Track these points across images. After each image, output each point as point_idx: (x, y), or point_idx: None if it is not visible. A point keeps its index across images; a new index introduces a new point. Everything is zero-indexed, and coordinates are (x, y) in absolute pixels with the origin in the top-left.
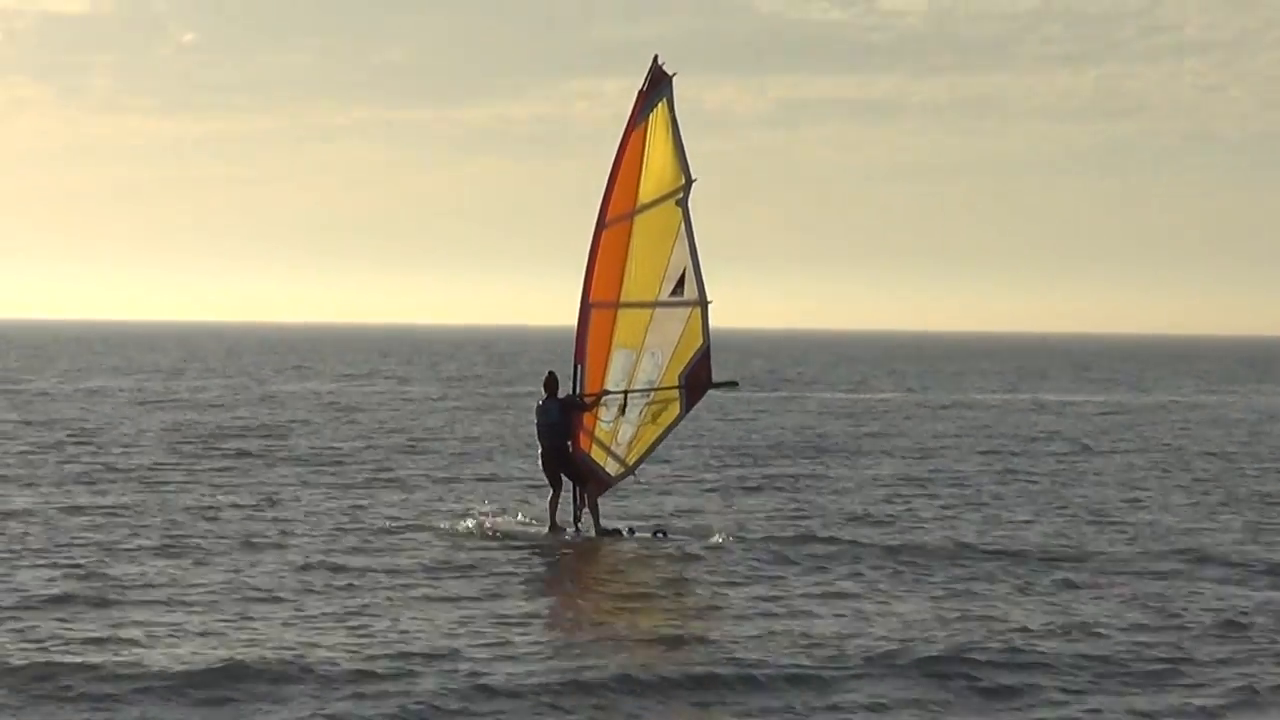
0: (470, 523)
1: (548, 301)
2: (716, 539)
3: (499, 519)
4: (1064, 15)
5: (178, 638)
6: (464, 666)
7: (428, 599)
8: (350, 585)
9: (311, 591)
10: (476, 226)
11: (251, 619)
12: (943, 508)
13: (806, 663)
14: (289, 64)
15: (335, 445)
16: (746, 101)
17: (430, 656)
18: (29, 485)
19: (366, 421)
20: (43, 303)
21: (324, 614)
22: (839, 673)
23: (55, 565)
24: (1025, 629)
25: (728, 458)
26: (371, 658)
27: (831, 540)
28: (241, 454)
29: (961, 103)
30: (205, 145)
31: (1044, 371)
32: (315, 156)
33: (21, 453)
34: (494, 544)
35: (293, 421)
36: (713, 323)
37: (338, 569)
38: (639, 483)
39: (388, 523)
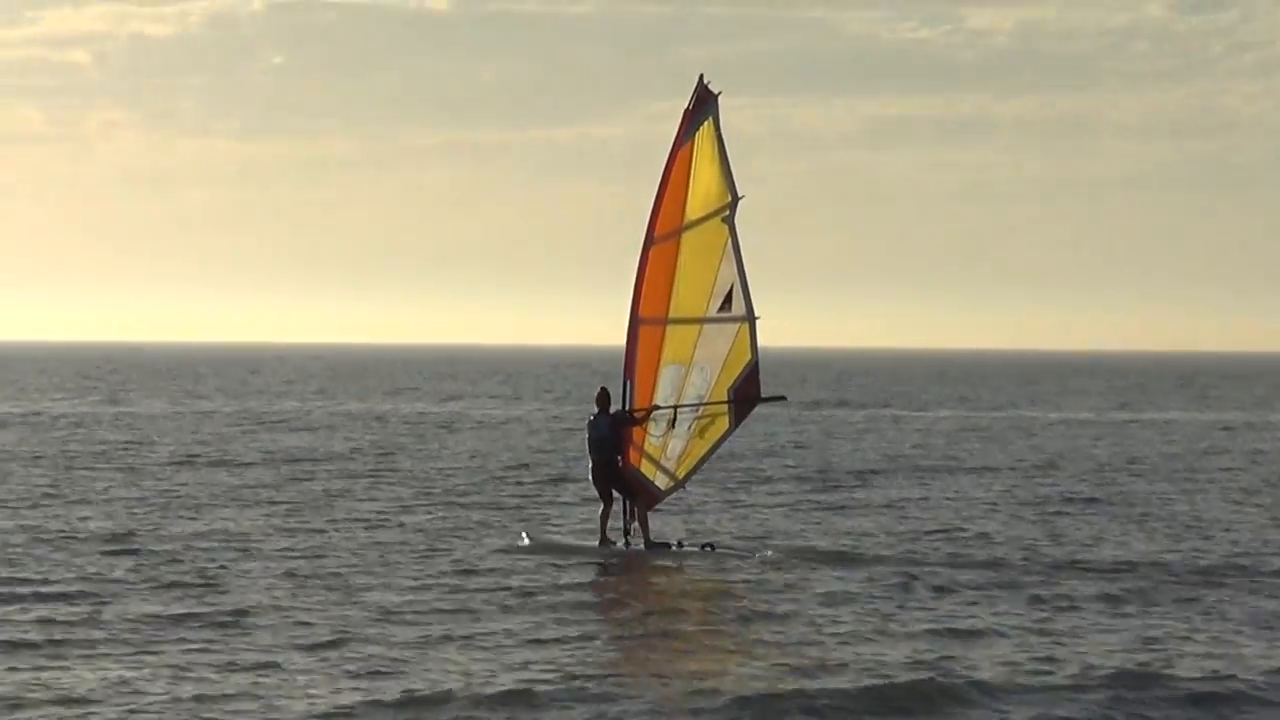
0: (526, 539)
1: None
2: (766, 553)
3: (554, 534)
4: (1152, 33)
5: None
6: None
7: (474, 616)
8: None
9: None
10: (562, 247)
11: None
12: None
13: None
14: (376, 87)
15: (439, 465)
16: (834, 121)
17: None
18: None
19: (473, 442)
20: (132, 325)
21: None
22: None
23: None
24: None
25: (829, 475)
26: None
27: (884, 559)
28: (351, 475)
29: (1049, 121)
30: (292, 168)
31: (1144, 387)
32: (402, 179)
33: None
34: (547, 558)
35: (401, 439)
36: (804, 340)
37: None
38: (706, 497)
39: (442, 538)
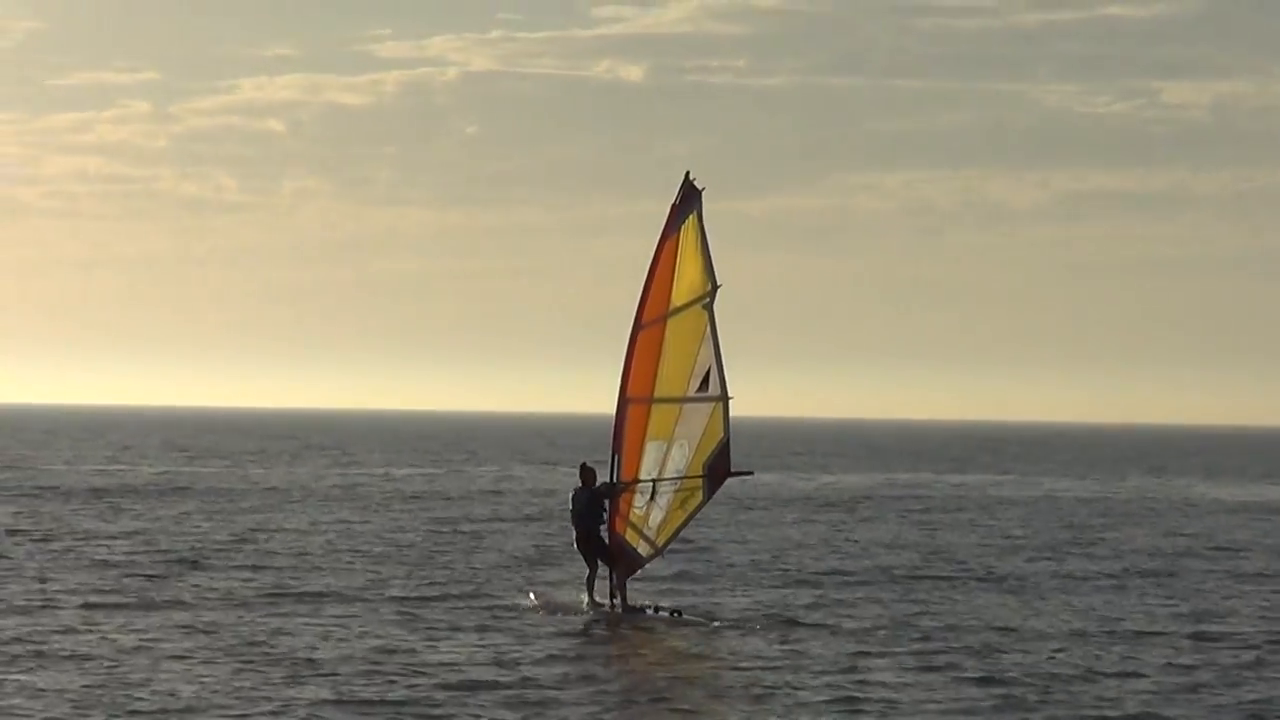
0: (532, 596)
1: (837, 391)
2: (716, 624)
3: (555, 595)
4: None
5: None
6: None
7: (467, 658)
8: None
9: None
10: (761, 319)
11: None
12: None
13: None
14: (571, 157)
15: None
16: (1027, 194)
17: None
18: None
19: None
20: (326, 393)
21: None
22: None
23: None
24: None
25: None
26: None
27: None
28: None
29: (1244, 196)
30: (485, 237)
31: None
32: (595, 249)
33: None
34: (542, 616)
35: None
36: (1003, 414)
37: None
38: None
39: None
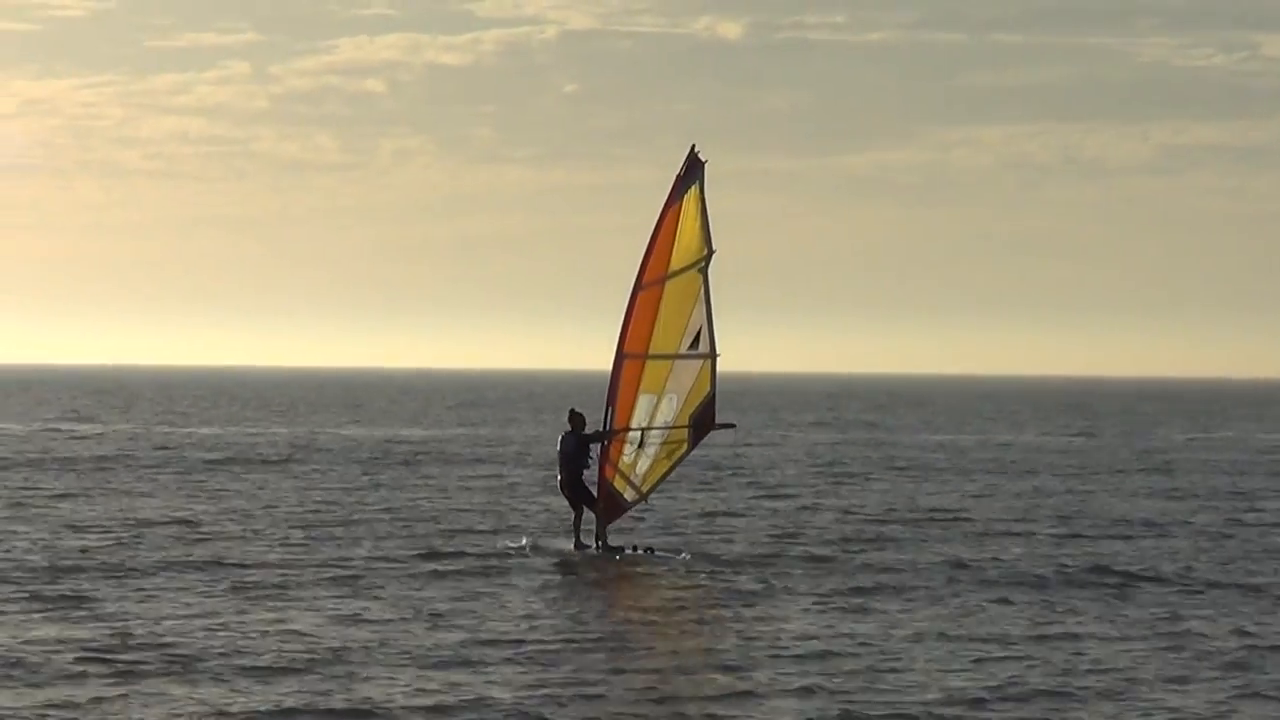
0: (525, 539)
1: (937, 345)
2: (684, 556)
3: (543, 538)
4: None
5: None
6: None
7: (465, 596)
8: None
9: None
10: (859, 273)
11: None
12: None
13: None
14: (670, 114)
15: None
16: (1127, 148)
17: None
18: None
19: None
20: (422, 351)
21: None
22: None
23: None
24: None
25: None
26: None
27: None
28: None
29: None
30: (584, 195)
31: None
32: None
33: None
34: (532, 557)
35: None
36: (1115, 369)
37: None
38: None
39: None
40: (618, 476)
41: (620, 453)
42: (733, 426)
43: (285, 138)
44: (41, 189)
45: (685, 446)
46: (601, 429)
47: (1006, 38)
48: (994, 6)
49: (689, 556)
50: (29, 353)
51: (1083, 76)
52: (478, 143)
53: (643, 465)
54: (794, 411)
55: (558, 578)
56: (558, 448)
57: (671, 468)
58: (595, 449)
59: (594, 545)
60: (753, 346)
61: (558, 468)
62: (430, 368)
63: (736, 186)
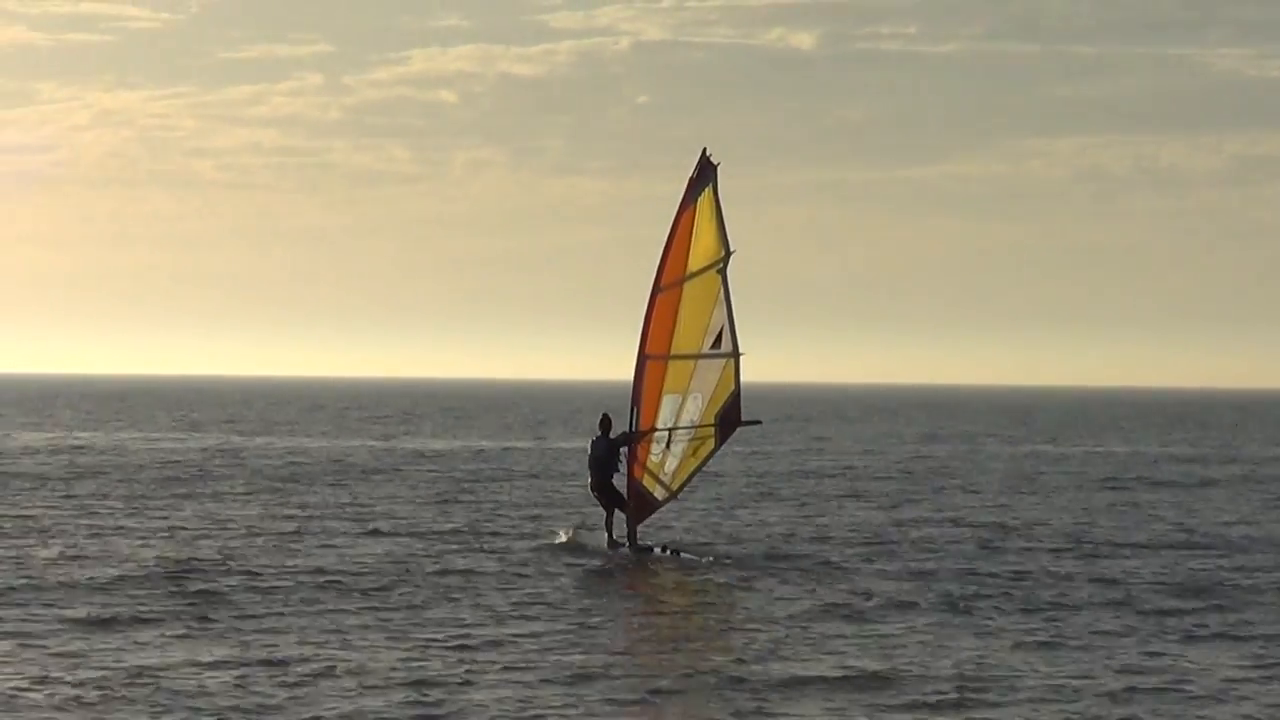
0: (562, 535)
1: (1005, 357)
2: (709, 559)
3: (580, 533)
4: None
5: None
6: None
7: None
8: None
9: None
10: (933, 285)
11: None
12: None
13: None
14: (743, 125)
15: None
16: (1201, 159)
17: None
18: None
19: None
20: (489, 363)
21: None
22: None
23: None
24: None
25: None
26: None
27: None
28: None
29: None
30: (656, 206)
31: None
32: (767, 216)
33: None
34: (566, 553)
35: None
36: (1175, 381)
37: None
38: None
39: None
40: (647, 475)
41: (648, 452)
42: (759, 423)
43: (359, 149)
44: (115, 200)
45: (712, 444)
46: (630, 430)
47: (1079, 49)
48: (1067, 18)
49: (712, 559)
50: (113, 364)
51: (1156, 87)
52: (550, 154)
53: (671, 464)
54: (884, 421)
55: (582, 574)
56: (589, 452)
57: (700, 465)
58: (625, 453)
59: (626, 543)
60: (836, 355)
61: (588, 471)
62: (505, 379)
63: (810, 198)
